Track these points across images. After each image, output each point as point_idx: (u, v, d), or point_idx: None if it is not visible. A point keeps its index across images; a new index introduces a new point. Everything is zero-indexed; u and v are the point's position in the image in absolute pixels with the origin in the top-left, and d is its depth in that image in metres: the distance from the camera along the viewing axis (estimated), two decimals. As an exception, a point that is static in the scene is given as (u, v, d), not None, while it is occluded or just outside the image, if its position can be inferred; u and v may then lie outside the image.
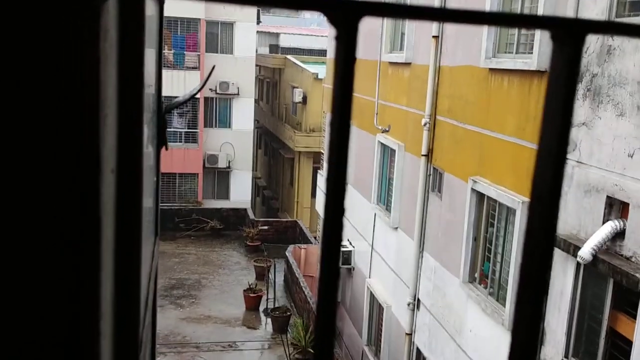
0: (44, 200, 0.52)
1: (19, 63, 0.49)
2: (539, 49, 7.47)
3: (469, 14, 0.49)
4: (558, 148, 0.49)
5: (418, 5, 0.46)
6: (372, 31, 13.61)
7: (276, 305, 17.24)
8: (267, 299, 17.53)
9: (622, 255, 6.16)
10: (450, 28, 10.09)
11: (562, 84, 0.49)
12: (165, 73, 28.05)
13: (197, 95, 25.31)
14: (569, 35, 0.48)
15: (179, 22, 25.63)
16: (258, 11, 27.86)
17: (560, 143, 0.50)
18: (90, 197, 0.54)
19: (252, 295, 17.64)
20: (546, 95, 0.51)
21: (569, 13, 6.93)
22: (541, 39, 7.46)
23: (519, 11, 8.25)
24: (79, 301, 0.56)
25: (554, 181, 0.50)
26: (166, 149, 1.62)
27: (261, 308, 17.71)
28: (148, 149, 1.51)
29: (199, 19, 25.68)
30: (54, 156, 0.52)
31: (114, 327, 0.76)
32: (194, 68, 25.71)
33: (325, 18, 0.47)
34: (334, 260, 0.48)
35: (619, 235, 6.18)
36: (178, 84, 24.79)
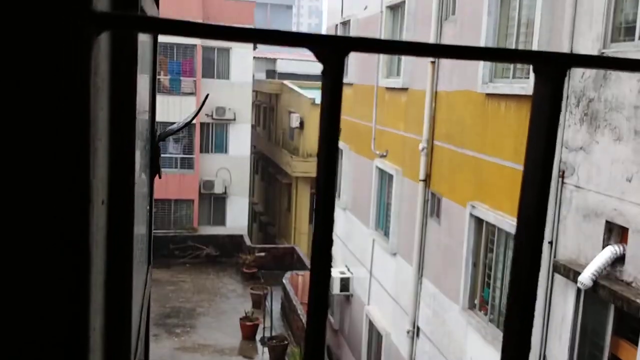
0: (33, 232, 0.53)
1: (11, 95, 0.50)
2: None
3: (453, 49, 0.48)
4: (542, 178, 0.51)
5: (403, 40, 0.43)
6: (369, 57, 13.71)
7: (273, 334, 17.06)
8: (263, 328, 17.35)
9: (622, 280, 6.10)
10: (446, 54, 10.17)
11: (545, 117, 0.50)
12: (161, 98, 28.30)
13: (193, 121, 25.40)
14: (550, 69, 0.49)
15: (175, 48, 25.84)
16: (255, 38, 28.10)
17: (544, 174, 0.51)
18: (79, 230, 0.54)
19: (248, 323, 17.46)
20: (529, 127, 0.52)
21: (565, 39, 6.98)
22: (536, 65, 7.50)
23: (514, 37, 8.32)
24: (69, 333, 0.56)
25: (539, 207, 0.51)
26: (159, 177, 1.59)
27: (258, 337, 17.52)
28: (141, 177, 1.48)
29: (195, 45, 25.90)
30: (43, 189, 0.52)
31: (104, 358, 0.74)
32: (190, 93, 25.84)
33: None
34: (324, 286, 0.47)
35: (619, 260, 6.14)
36: (174, 109, 24.88)
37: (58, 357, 0.55)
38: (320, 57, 0.44)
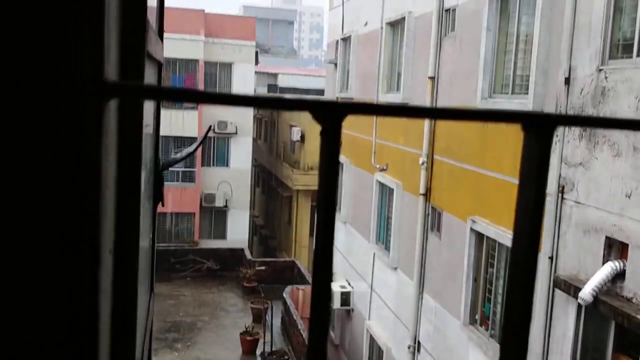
0: (44, 286, 0.55)
1: (30, 158, 0.53)
2: (535, 90, 7.55)
3: (447, 111, 0.50)
4: (531, 230, 0.52)
5: (396, 104, 0.46)
6: (369, 71, 13.80)
7: (273, 349, 16.98)
8: (264, 342, 17.27)
9: (622, 296, 6.10)
10: (446, 69, 10.23)
11: (534, 172, 0.52)
12: (163, 113, 28.22)
13: (195, 135, 25.46)
14: (539, 128, 0.51)
15: (177, 63, 25.97)
16: (256, 52, 28.27)
17: (533, 226, 0.52)
18: (88, 282, 0.56)
19: (248, 338, 17.39)
20: (519, 181, 0.53)
21: (563, 55, 7.03)
22: (536, 80, 7.55)
23: (513, 54, 8.37)
24: None
25: (528, 266, 0.52)
26: (162, 205, 1.61)
27: (258, 352, 17.44)
28: (144, 207, 1.51)
29: (198, 60, 26.03)
30: (54, 245, 0.54)
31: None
32: (192, 108, 25.93)
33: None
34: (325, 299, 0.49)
35: (619, 276, 6.14)
36: (176, 123, 24.96)
37: None
38: (319, 119, 0.47)
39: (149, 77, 1.29)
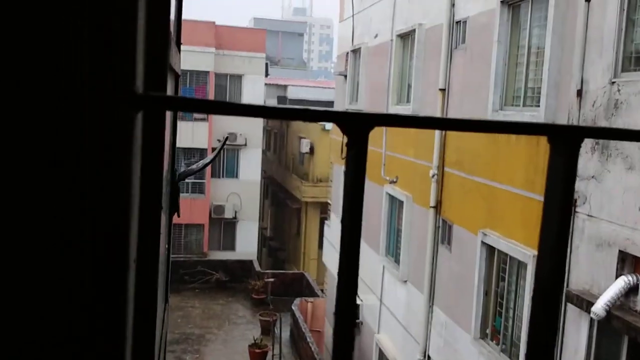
0: (74, 291, 0.56)
1: (63, 167, 0.55)
2: (546, 102, 7.52)
3: (471, 123, 0.49)
4: (558, 246, 0.51)
5: (422, 115, 0.45)
6: (379, 83, 13.81)
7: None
8: (272, 355, 17.20)
9: (636, 311, 6.02)
10: (457, 81, 10.22)
11: (561, 185, 0.51)
12: (174, 125, 28.10)
13: (205, 146, 25.57)
14: (565, 140, 0.50)
15: (188, 74, 26.14)
16: (266, 64, 28.41)
17: (560, 241, 0.52)
18: (117, 290, 0.58)
19: (257, 350, 17.32)
20: (545, 194, 0.52)
21: (575, 68, 6.99)
22: (548, 93, 7.51)
23: (525, 66, 8.35)
24: None
25: (555, 280, 0.51)
26: (178, 215, 1.61)
27: (267, 363, 17.36)
28: (162, 218, 1.50)
29: (208, 72, 26.19)
30: (84, 253, 0.56)
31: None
32: (202, 120, 26.06)
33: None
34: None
35: (633, 290, 6.06)
36: (186, 135, 25.07)
37: None
38: (346, 131, 0.46)
39: (169, 88, 1.29)
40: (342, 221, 0.48)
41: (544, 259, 0.52)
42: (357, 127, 0.44)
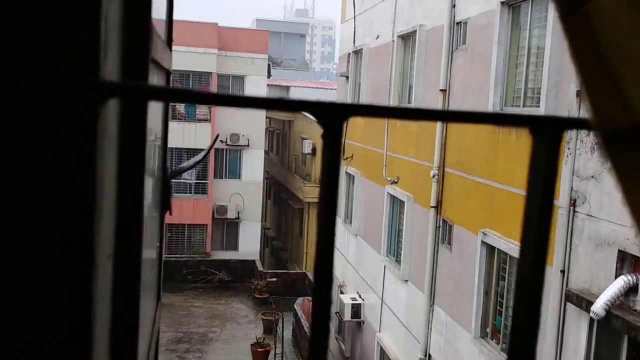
0: (35, 292, 0.54)
1: (20, 159, 0.52)
2: (546, 102, 7.54)
3: (452, 114, 0.51)
4: (539, 239, 0.52)
5: (399, 106, 0.47)
6: (380, 84, 13.83)
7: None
8: (275, 354, 17.22)
9: (635, 310, 6.04)
10: (458, 81, 10.24)
11: (543, 177, 0.51)
12: (176, 125, 28.23)
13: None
14: (547, 132, 0.51)
15: (190, 75, 26.16)
16: (269, 65, 28.42)
17: (541, 234, 0.52)
18: (81, 285, 0.56)
19: (259, 350, 17.34)
20: (527, 190, 0.52)
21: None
22: (548, 93, 7.54)
23: (525, 66, 8.37)
24: None
25: (536, 273, 0.52)
26: (170, 213, 1.63)
27: (269, 363, 17.38)
28: (152, 215, 1.53)
29: (211, 73, 26.21)
30: (48, 246, 0.54)
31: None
32: (205, 120, 26.08)
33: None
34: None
35: (632, 289, 6.08)
36: (189, 136, 25.10)
37: None
38: (321, 121, 0.48)
39: (158, 84, 1.31)
40: (319, 209, 0.50)
41: (525, 254, 0.52)
42: (332, 117, 0.46)
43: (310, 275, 23.63)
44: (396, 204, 12.91)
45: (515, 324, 0.52)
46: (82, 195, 0.53)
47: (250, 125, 26.96)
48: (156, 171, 1.41)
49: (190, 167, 2.19)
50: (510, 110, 8.60)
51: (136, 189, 0.79)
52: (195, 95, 0.47)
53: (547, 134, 0.52)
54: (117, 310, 0.76)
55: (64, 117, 0.51)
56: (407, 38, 12.58)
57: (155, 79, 1.19)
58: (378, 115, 0.50)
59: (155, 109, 1.49)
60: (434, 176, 10.66)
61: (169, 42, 1.69)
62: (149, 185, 1.25)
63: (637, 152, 0.50)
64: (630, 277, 6.07)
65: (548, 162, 0.52)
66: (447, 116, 0.54)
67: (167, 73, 1.59)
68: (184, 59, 24.56)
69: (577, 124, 0.54)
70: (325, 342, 0.49)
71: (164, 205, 1.64)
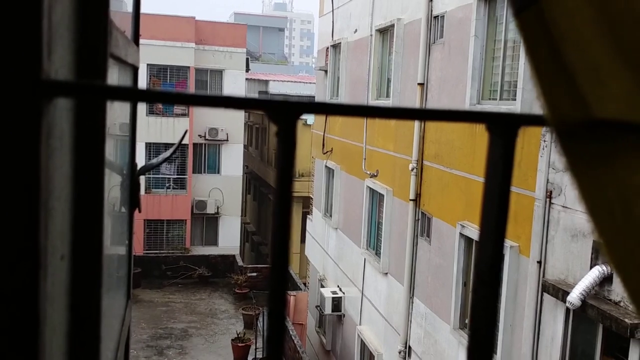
0: None
1: None
2: (522, 95, 7.61)
3: (404, 111, 0.51)
4: (496, 231, 0.53)
5: (349, 103, 0.47)
6: (359, 78, 13.84)
7: (265, 355, 16.91)
8: (255, 349, 17.22)
9: (610, 300, 6.14)
10: (436, 75, 10.29)
11: (500, 172, 0.51)
12: (154, 120, 27.94)
13: (187, 142, 25.42)
14: (503, 128, 0.51)
15: (168, 70, 25.94)
16: (247, 59, 28.29)
17: (498, 226, 0.53)
18: (29, 287, 0.54)
19: (240, 344, 17.33)
20: (485, 182, 0.53)
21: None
22: (524, 86, 7.60)
23: (501, 60, 8.43)
24: None
25: (494, 263, 0.53)
26: (139, 211, 1.61)
27: (250, 358, 17.37)
28: (120, 212, 1.51)
29: (189, 67, 26.02)
30: None
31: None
32: (182, 115, 25.89)
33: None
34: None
35: (607, 279, 6.18)
36: (167, 130, 24.92)
37: None
38: (273, 119, 0.47)
39: (122, 80, 1.29)
40: (273, 208, 0.50)
41: (484, 245, 0.53)
42: (283, 115, 0.46)
43: (290, 270, 23.66)
44: (376, 197, 12.96)
45: (473, 317, 0.53)
46: (25, 196, 0.52)
47: (229, 120, 26.85)
48: (123, 168, 1.39)
49: (159, 164, 2.17)
50: (488, 103, 8.67)
51: (94, 187, 0.77)
52: (139, 93, 0.46)
53: (503, 131, 0.52)
54: (76, 312, 0.74)
55: (2, 115, 0.49)
56: (385, 32, 12.59)
57: (117, 75, 1.17)
58: (327, 113, 0.50)
59: (122, 105, 1.47)
60: (412, 169, 10.72)
61: (136, 36, 1.66)
62: (115, 182, 1.24)
63: (592, 146, 0.50)
64: (604, 268, 6.17)
65: (504, 158, 0.52)
66: (402, 114, 0.54)
67: (134, 69, 1.56)
68: (162, 53, 24.34)
69: (532, 120, 0.54)
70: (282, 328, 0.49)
71: (133, 202, 1.62)
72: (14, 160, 0.51)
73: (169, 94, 0.45)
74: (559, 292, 6.63)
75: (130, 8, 1.62)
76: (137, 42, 1.60)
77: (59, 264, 0.64)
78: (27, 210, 0.52)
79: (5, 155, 0.50)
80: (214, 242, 27.17)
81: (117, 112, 1.20)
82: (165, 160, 2.22)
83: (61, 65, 0.62)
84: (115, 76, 1.11)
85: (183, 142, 25.23)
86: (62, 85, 0.51)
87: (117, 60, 1.06)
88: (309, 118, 25.42)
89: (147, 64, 24.15)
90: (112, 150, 1.11)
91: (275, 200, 0.48)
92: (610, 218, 0.49)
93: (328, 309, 14.60)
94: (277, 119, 0.47)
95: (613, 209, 0.48)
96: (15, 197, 0.51)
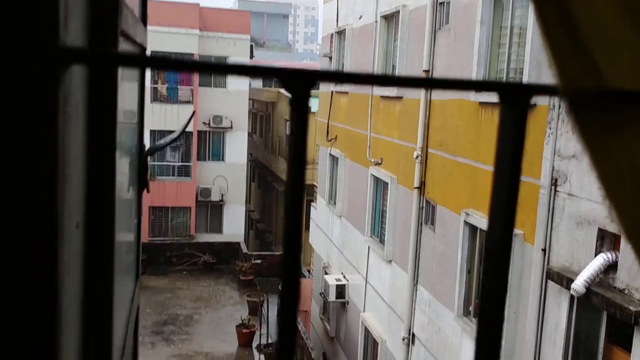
0: None
1: None
2: (528, 81, 7.56)
3: (417, 80, 0.51)
4: (507, 208, 0.53)
5: (364, 72, 0.47)
6: (364, 64, 13.78)
7: (269, 341, 17.04)
8: (260, 335, 17.32)
9: (615, 287, 6.14)
10: (441, 62, 10.24)
11: (511, 143, 0.51)
12: (159, 107, 27.95)
13: (191, 129, 25.42)
14: (515, 98, 0.51)
15: (172, 57, 25.86)
16: (251, 46, 28.20)
17: (509, 205, 0.53)
18: (47, 255, 0.54)
19: (245, 330, 17.43)
20: (495, 158, 0.53)
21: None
22: (530, 73, 7.56)
23: (507, 46, 8.38)
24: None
25: (505, 237, 0.53)
26: (147, 191, 1.62)
27: (254, 344, 17.49)
28: (129, 192, 1.52)
29: (193, 54, 25.96)
30: (6, 217, 0.52)
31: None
32: (187, 102, 25.89)
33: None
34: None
35: (612, 267, 6.18)
36: (172, 117, 24.92)
37: None
38: (287, 88, 0.48)
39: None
40: (285, 182, 0.51)
41: (494, 225, 0.52)
42: (298, 83, 0.46)
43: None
44: (380, 185, 12.96)
45: (484, 294, 0.53)
46: (44, 161, 0.52)
47: (233, 107, 26.82)
48: (132, 149, 1.39)
49: (167, 144, 2.18)
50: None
51: (107, 154, 0.78)
52: (153, 60, 0.46)
53: (515, 100, 0.52)
54: (90, 281, 0.75)
55: (22, 82, 0.50)
56: (390, 18, 12.52)
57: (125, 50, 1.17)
58: (343, 81, 0.50)
59: (130, 88, 1.47)
60: (417, 157, 10.70)
61: (144, 18, 1.66)
62: (125, 162, 1.24)
63: (604, 115, 0.50)
64: (609, 255, 6.17)
65: (516, 128, 0.52)
66: (417, 83, 0.54)
67: (142, 49, 1.57)
68: (166, 39, 24.28)
69: (544, 90, 0.54)
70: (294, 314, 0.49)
71: (141, 182, 1.63)
72: (33, 125, 0.51)
73: (183, 61, 0.45)
74: (564, 280, 6.64)
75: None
76: (144, 24, 1.61)
77: (74, 232, 0.65)
78: (46, 176, 0.52)
79: (26, 121, 0.51)
80: (218, 229, 27.25)
81: (125, 97, 1.21)
82: (173, 140, 2.23)
83: (75, 37, 0.62)
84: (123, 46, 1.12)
85: (187, 129, 25.22)
86: (78, 52, 0.51)
87: (127, 38, 1.07)
88: (313, 105, 25.36)
89: (151, 51, 24.14)
90: (121, 132, 1.12)
91: (289, 170, 0.48)
92: (621, 186, 0.49)
93: (332, 296, 14.65)
94: (292, 87, 0.47)
95: (623, 177, 0.49)
96: (34, 163, 0.52)
